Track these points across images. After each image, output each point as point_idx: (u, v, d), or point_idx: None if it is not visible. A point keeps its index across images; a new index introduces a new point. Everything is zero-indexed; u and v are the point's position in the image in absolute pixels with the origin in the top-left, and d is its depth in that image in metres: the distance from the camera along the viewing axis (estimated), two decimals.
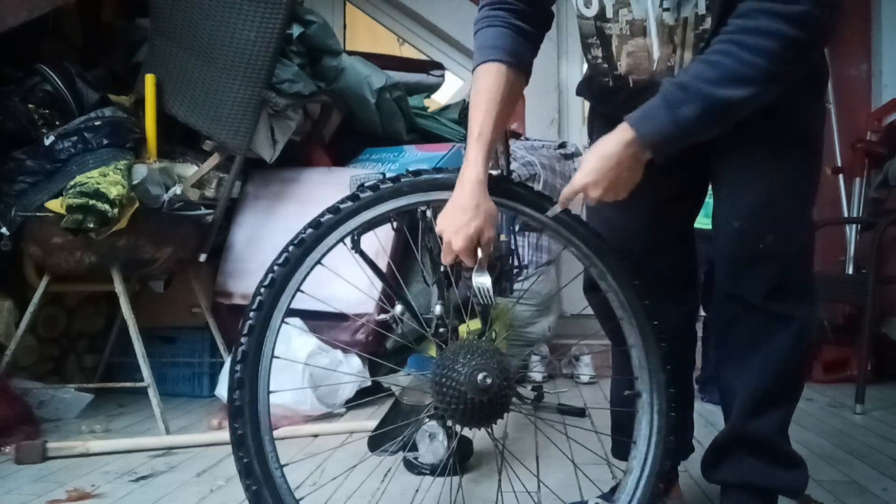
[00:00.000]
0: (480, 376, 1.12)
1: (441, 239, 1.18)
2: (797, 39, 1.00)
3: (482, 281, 1.17)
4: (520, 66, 1.21)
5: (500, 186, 1.24)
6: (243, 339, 1.12)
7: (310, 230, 1.19)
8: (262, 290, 1.15)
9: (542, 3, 1.23)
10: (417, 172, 1.24)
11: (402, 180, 1.22)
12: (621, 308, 1.26)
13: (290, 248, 1.19)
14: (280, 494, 1.09)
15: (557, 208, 1.22)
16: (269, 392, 1.12)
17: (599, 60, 1.25)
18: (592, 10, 1.16)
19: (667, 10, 1.11)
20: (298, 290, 1.18)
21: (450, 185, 1.20)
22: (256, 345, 1.12)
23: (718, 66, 1.03)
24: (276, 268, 1.16)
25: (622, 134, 1.09)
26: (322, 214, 1.21)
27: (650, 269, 1.33)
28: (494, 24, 1.20)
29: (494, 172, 1.23)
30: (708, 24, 1.10)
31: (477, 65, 1.21)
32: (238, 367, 1.10)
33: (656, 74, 1.18)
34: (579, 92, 1.40)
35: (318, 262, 1.19)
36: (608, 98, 1.31)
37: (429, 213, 1.73)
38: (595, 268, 1.28)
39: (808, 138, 1.23)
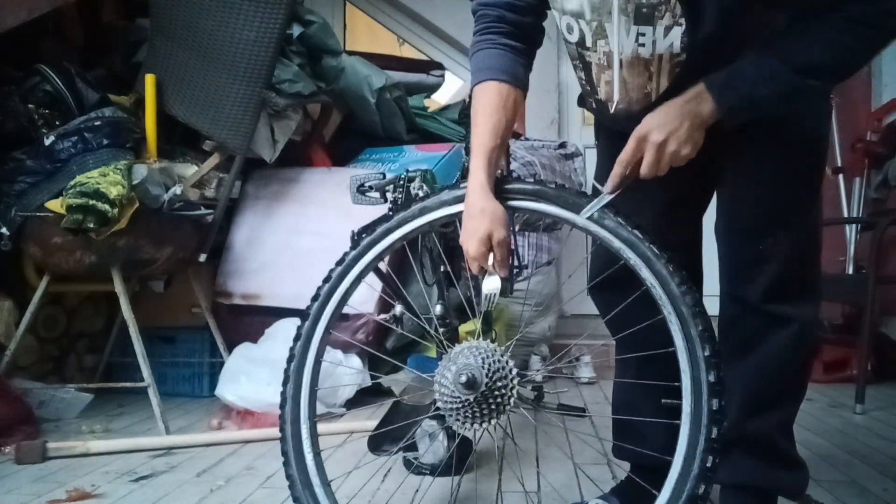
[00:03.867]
0: (464, 373, 1.15)
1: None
2: (881, 43, 1.05)
3: (491, 286, 1.19)
4: (515, 82, 1.23)
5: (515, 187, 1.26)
6: (293, 344, 1.36)
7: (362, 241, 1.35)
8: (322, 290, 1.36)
9: (530, 24, 1.25)
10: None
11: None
12: (660, 302, 1.15)
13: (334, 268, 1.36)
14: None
15: (608, 189, 1.17)
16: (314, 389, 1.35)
17: (583, 82, 1.27)
18: (574, 37, 1.18)
19: (642, 45, 1.12)
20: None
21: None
22: (303, 349, 1.35)
23: (820, 56, 1.06)
24: (324, 284, 1.36)
25: (699, 96, 1.10)
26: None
27: None
28: (486, 47, 1.24)
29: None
30: (683, 57, 1.12)
31: (474, 85, 1.25)
32: (290, 366, 1.35)
33: (633, 103, 1.20)
34: (580, 103, 1.40)
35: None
36: (601, 115, 1.32)
37: None
38: (630, 260, 1.18)
39: (812, 138, 1.23)
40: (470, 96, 1.30)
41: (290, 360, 1.35)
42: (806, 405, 1.36)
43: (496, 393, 1.18)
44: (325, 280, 1.35)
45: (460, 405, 1.17)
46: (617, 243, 1.18)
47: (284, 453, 1.32)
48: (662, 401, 1.20)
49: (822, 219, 1.30)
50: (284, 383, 1.35)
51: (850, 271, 3.17)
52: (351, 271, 1.33)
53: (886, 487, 1.64)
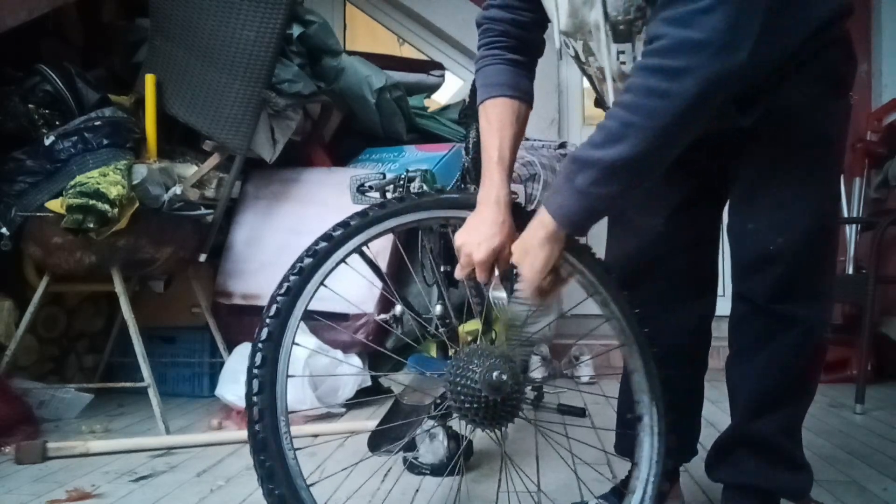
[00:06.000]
0: (495, 373, 1.15)
1: (459, 253, 1.21)
2: (671, 92, 0.97)
3: (499, 295, 1.23)
4: (522, 96, 1.27)
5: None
6: (268, 321, 1.19)
7: (324, 243, 1.24)
8: (292, 277, 1.20)
9: (533, 38, 1.29)
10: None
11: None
12: (622, 334, 1.29)
13: (320, 243, 1.23)
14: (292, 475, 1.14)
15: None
16: (287, 375, 1.20)
17: (593, 89, 1.32)
18: (571, 52, 1.23)
19: (623, 63, 1.14)
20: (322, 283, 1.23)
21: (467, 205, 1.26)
22: (280, 328, 1.19)
23: (601, 129, 1.04)
24: (303, 260, 1.22)
25: (539, 217, 1.13)
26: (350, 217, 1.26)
27: (670, 270, 1.34)
28: (493, 63, 1.27)
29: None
30: None
31: (482, 101, 1.28)
32: (260, 345, 1.20)
33: None
34: (597, 105, 1.42)
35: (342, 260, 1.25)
36: None
37: None
38: (599, 295, 1.29)
39: (826, 139, 1.22)
40: (470, 97, 1.31)
41: (266, 339, 1.20)
42: None
43: (513, 397, 1.19)
44: (296, 272, 1.21)
45: (481, 405, 1.16)
46: (590, 277, 1.28)
47: (264, 448, 1.15)
48: (626, 415, 1.31)
49: (838, 221, 1.30)
50: (254, 393, 1.18)
51: (850, 271, 3.17)
52: (322, 266, 1.22)
53: (886, 487, 1.64)
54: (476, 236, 1.18)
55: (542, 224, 1.11)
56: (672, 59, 0.96)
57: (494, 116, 1.25)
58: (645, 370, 1.28)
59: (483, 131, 1.27)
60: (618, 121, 1.01)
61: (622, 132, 1.00)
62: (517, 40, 1.27)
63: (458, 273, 1.21)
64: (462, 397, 1.17)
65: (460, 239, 1.20)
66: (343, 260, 1.24)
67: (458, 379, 1.18)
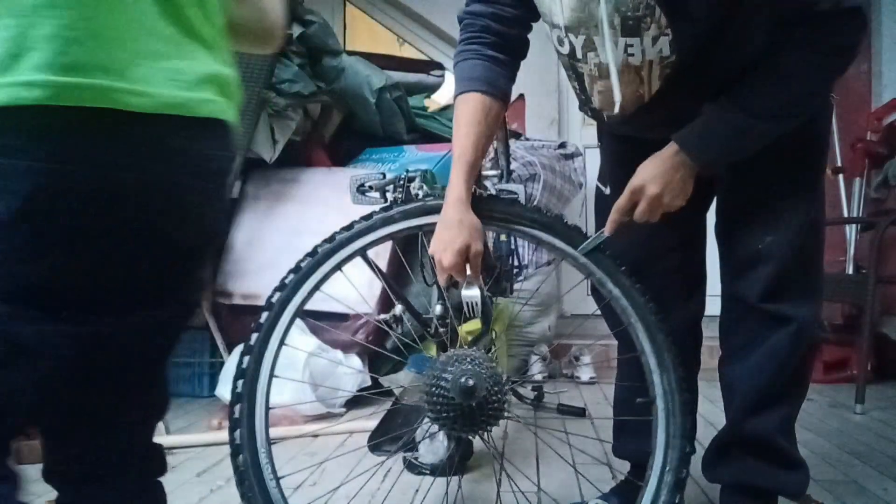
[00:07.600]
0: (463, 379, 1.13)
1: (434, 260, 1.21)
2: (840, 70, 1.11)
3: (471, 294, 1.23)
4: (495, 93, 1.24)
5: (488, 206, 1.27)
6: (245, 354, 1.20)
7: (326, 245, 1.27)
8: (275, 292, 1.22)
9: (515, 36, 1.26)
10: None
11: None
12: (624, 314, 1.24)
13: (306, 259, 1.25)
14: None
15: (606, 232, 1.24)
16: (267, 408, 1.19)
17: (577, 92, 1.29)
18: (565, 49, 1.19)
19: (631, 55, 1.12)
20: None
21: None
22: (257, 357, 1.20)
23: (777, 98, 1.10)
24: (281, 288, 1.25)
25: (676, 155, 1.15)
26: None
27: (658, 270, 1.34)
28: (470, 58, 1.25)
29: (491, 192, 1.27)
30: (673, 58, 1.12)
31: (456, 95, 1.26)
32: (238, 384, 1.19)
33: (626, 109, 1.20)
34: (580, 109, 1.41)
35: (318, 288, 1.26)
36: (599, 121, 1.33)
37: None
38: (593, 276, 1.26)
39: (811, 138, 1.23)
40: None
41: (240, 376, 1.20)
42: (806, 405, 1.36)
43: (493, 401, 1.17)
44: (279, 288, 1.24)
45: (456, 412, 1.15)
46: (582, 259, 1.26)
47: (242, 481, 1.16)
48: (637, 400, 1.26)
49: (824, 218, 1.30)
50: (234, 403, 1.18)
51: (850, 271, 3.17)
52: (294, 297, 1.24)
53: (886, 487, 1.64)
54: (441, 244, 1.19)
55: (684, 165, 1.14)
56: (841, 35, 1.05)
57: (463, 113, 1.23)
58: (653, 347, 1.21)
59: (453, 128, 1.25)
60: (794, 95, 1.10)
61: (798, 106, 1.12)
62: (498, 37, 1.24)
63: (438, 279, 1.22)
64: (437, 405, 1.16)
65: (432, 247, 1.21)
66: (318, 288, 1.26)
67: (432, 388, 1.17)
